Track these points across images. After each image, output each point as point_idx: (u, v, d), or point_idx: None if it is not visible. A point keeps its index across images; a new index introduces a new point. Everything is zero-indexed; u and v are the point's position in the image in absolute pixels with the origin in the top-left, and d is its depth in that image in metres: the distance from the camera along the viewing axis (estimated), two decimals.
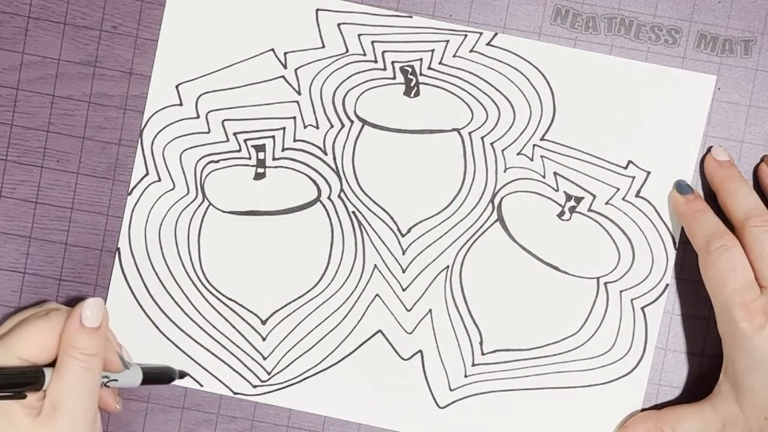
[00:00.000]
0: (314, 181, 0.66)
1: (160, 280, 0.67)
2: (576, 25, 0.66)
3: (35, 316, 0.60)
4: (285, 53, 0.66)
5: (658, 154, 0.66)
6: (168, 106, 0.66)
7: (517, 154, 0.66)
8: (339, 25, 0.66)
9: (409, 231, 0.66)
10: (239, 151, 0.66)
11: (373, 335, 0.67)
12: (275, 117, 0.66)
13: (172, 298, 0.67)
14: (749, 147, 0.66)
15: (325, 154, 0.66)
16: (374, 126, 0.66)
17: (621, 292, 0.66)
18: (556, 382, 0.66)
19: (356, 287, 0.66)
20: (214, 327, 0.67)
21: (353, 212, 0.66)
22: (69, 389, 0.58)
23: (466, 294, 0.66)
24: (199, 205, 0.67)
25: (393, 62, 0.66)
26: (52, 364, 0.59)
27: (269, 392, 0.67)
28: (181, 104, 0.66)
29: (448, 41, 0.66)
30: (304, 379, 0.67)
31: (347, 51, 0.66)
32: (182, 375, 0.66)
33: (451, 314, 0.66)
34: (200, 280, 0.67)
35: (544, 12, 0.66)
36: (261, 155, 0.66)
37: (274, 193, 0.66)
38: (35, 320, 0.59)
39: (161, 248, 0.67)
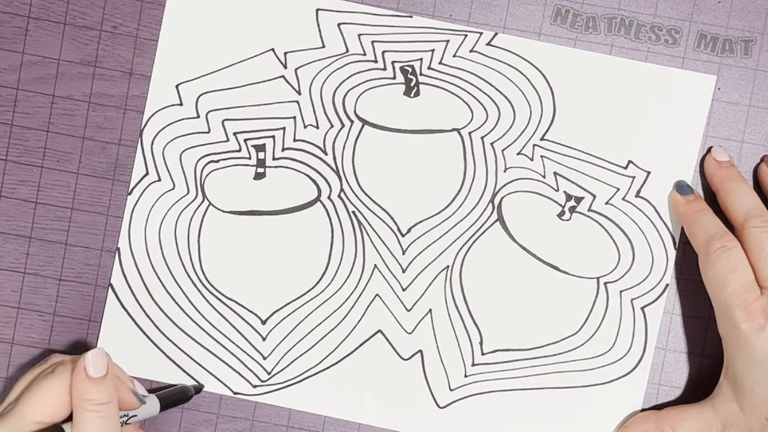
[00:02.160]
0: (314, 181, 0.66)
1: (160, 280, 0.67)
2: (576, 25, 0.66)
3: (41, 377, 0.59)
4: (285, 53, 0.66)
5: (658, 154, 0.66)
6: (168, 106, 0.66)
7: (517, 154, 0.66)
8: (339, 25, 0.66)
9: (409, 231, 0.66)
10: (239, 151, 0.66)
11: (373, 335, 0.67)
12: (275, 117, 0.66)
13: (172, 298, 0.67)
14: (749, 147, 0.66)
15: (325, 154, 0.66)
16: (374, 126, 0.66)
17: (621, 292, 0.66)
18: (556, 382, 0.66)
19: (356, 287, 0.67)
20: (214, 327, 0.67)
21: (353, 212, 0.66)
22: None
23: (466, 294, 0.66)
24: (199, 205, 0.67)
25: (393, 62, 0.66)
26: (71, 417, 0.58)
27: (269, 392, 0.67)
28: (181, 104, 0.66)
29: (448, 41, 0.66)
30: (304, 379, 0.67)
31: (347, 51, 0.66)
32: (198, 390, 0.66)
33: (451, 314, 0.66)
34: (200, 280, 0.67)
35: (544, 12, 0.66)
36: (261, 155, 0.66)
37: (274, 193, 0.66)
38: (43, 381, 0.58)
39: (161, 248, 0.67)
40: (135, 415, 0.61)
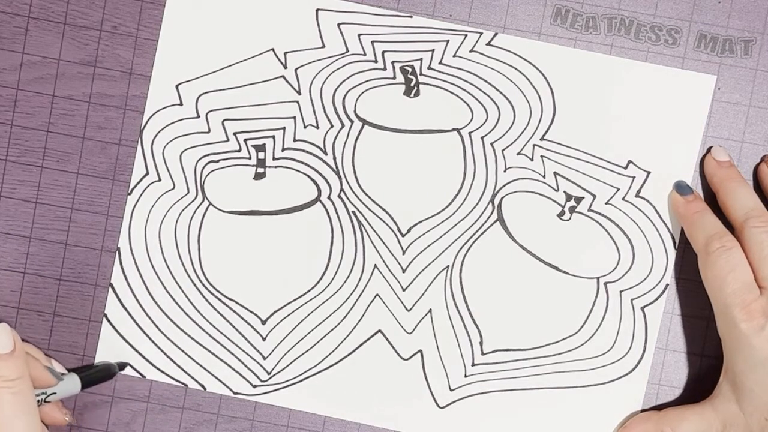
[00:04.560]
0: (314, 181, 0.66)
1: (160, 280, 0.67)
2: (576, 25, 0.66)
3: None
4: (285, 53, 0.66)
5: (658, 154, 0.66)
6: (168, 106, 0.66)
7: (517, 154, 0.66)
8: (339, 25, 0.66)
9: (409, 231, 0.66)
10: (239, 151, 0.66)
11: (373, 335, 0.67)
12: (275, 117, 0.66)
13: (172, 298, 0.67)
14: (749, 147, 0.66)
15: (325, 154, 0.66)
16: (374, 126, 0.66)
17: (621, 292, 0.66)
18: (556, 382, 0.66)
19: (356, 287, 0.67)
20: (214, 327, 0.67)
21: (353, 212, 0.66)
22: (6, 419, 0.57)
23: (466, 294, 0.66)
24: (199, 205, 0.67)
25: (393, 62, 0.66)
26: None
27: (269, 392, 0.67)
28: (181, 104, 0.66)
29: (448, 41, 0.66)
30: (304, 379, 0.67)
31: (347, 51, 0.66)
32: (122, 367, 0.66)
33: (451, 314, 0.66)
34: (200, 280, 0.67)
35: (544, 12, 0.66)
36: (261, 155, 0.66)
37: (274, 193, 0.66)
38: None
39: (161, 248, 0.67)
40: (54, 393, 0.61)
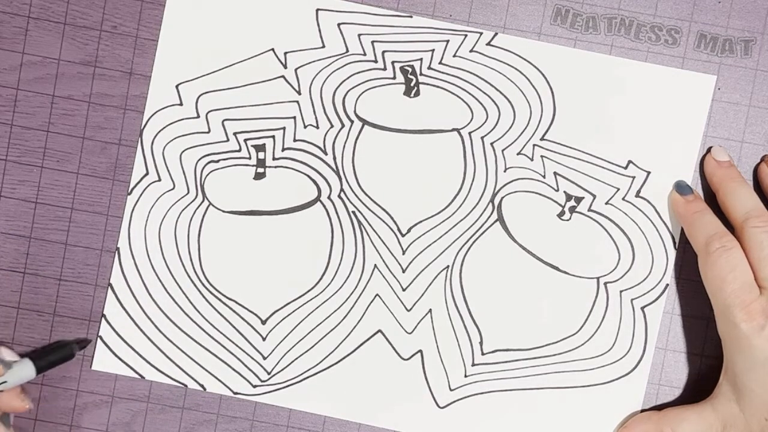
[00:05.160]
0: (314, 181, 0.66)
1: (160, 280, 0.67)
2: (576, 25, 0.66)
3: None
4: (285, 53, 0.66)
5: (658, 154, 0.66)
6: (168, 106, 0.66)
7: (517, 154, 0.66)
8: (339, 24, 0.66)
9: (409, 231, 0.66)
10: (239, 150, 0.66)
11: (373, 335, 0.67)
12: (275, 117, 0.66)
13: (172, 298, 0.67)
14: (749, 147, 0.66)
15: (325, 153, 0.66)
16: (374, 126, 0.66)
17: (621, 292, 0.66)
18: (556, 382, 0.66)
19: (356, 287, 0.67)
20: (214, 327, 0.67)
21: (353, 212, 0.66)
22: None
23: (466, 294, 0.66)
24: (199, 205, 0.67)
25: (393, 62, 0.66)
26: None
27: (269, 392, 0.67)
28: (181, 104, 0.66)
29: (448, 41, 0.66)
30: (304, 379, 0.67)
31: (347, 51, 0.66)
32: (82, 345, 0.65)
33: (451, 314, 0.66)
34: (200, 280, 0.67)
35: (544, 12, 0.66)
36: (261, 155, 0.66)
37: (274, 193, 0.66)
38: None
39: (161, 248, 0.67)
40: (5, 382, 0.61)
